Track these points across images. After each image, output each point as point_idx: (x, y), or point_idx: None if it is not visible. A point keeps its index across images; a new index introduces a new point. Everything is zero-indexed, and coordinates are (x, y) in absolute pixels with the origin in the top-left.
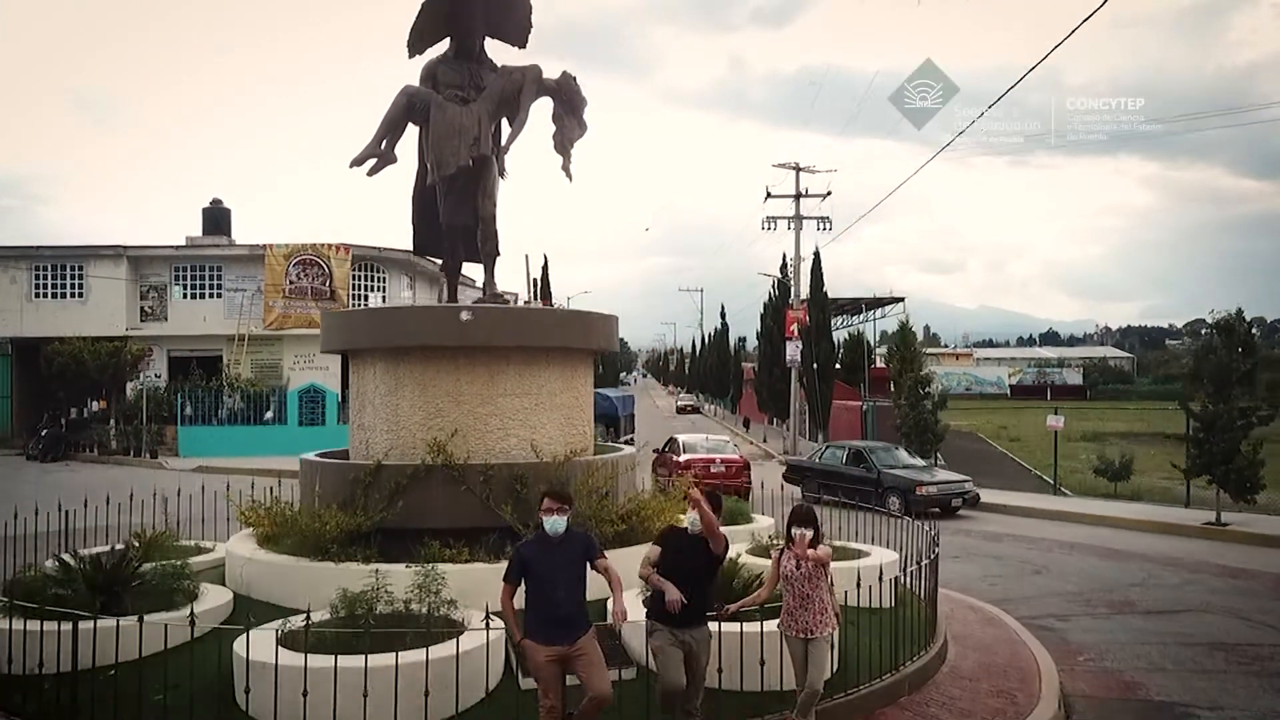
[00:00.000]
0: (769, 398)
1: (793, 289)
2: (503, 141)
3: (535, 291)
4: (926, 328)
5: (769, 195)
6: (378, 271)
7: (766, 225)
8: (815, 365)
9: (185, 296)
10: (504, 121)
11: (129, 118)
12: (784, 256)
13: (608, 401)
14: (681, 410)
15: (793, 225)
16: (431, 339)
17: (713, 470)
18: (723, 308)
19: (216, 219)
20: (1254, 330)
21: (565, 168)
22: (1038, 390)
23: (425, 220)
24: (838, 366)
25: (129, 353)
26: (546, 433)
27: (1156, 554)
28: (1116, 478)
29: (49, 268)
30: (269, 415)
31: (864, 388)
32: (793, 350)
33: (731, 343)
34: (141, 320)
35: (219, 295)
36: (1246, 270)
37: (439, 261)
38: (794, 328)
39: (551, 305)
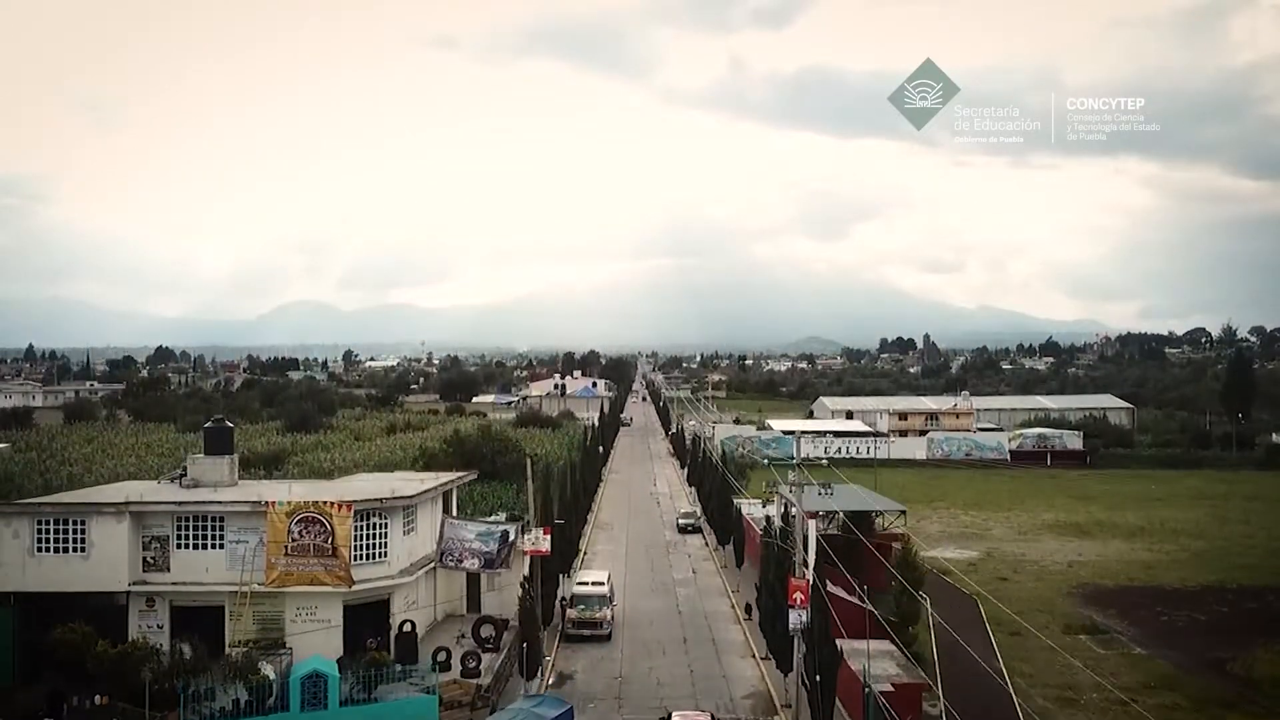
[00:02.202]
0: (772, 648)
1: (796, 556)
2: None
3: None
4: (926, 336)
5: (770, 462)
6: (380, 517)
7: (768, 488)
8: (819, 678)
9: (187, 547)
10: None
11: (129, 118)
12: (784, 507)
13: None
14: (683, 530)
15: (791, 490)
16: None
17: None
18: (724, 451)
19: (219, 439)
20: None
21: None
22: (1038, 455)
23: None
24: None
25: (133, 652)
26: None
27: None
28: None
29: (50, 522)
30: (270, 702)
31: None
32: (795, 619)
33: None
34: (144, 570)
35: (221, 546)
36: (1245, 271)
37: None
38: (797, 595)
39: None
